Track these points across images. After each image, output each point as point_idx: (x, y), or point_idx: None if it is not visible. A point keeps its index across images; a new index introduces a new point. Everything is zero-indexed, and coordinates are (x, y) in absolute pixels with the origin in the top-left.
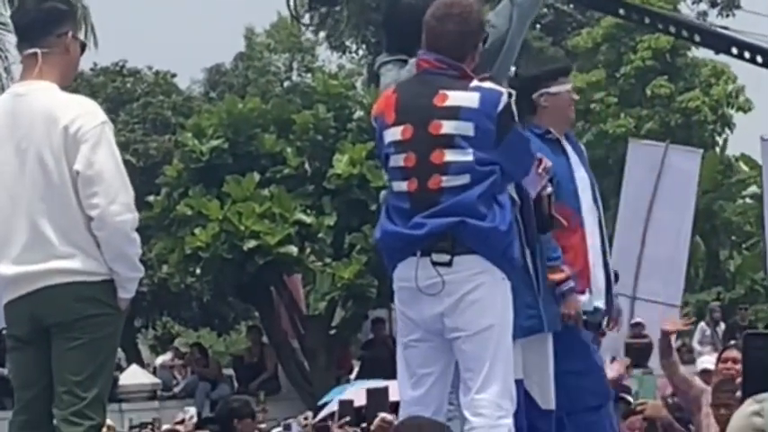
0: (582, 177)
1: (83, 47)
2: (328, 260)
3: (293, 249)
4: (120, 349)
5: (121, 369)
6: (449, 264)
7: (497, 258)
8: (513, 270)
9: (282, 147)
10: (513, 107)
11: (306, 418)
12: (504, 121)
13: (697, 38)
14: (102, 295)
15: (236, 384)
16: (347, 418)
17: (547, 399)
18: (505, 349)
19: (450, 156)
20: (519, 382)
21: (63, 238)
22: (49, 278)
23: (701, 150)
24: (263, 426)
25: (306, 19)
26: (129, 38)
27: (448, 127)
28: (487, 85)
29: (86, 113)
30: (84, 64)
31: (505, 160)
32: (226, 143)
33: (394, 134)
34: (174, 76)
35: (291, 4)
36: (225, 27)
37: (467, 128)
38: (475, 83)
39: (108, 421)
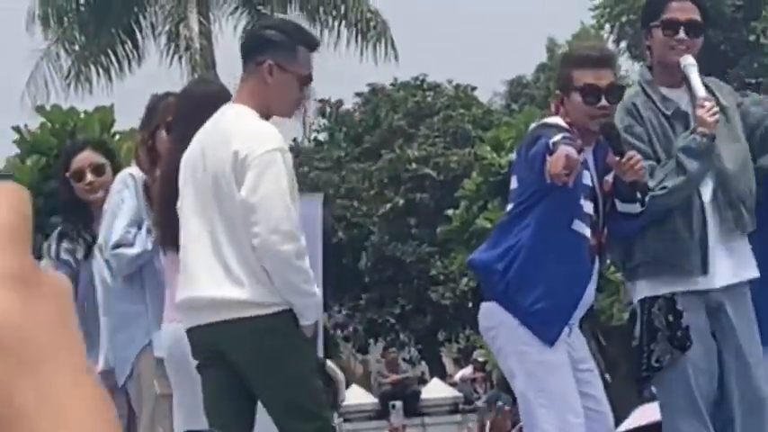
0: None
1: (303, 79)
2: None
3: None
4: (423, 362)
5: (425, 382)
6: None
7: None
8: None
9: None
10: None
11: None
12: None
13: None
14: (281, 326)
15: None
16: None
17: None
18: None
19: None
20: None
21: (237, 267)
22: (227, 310)
23: None
24: None
25: (606, 29)
26: (429, 52)
27: None
28: None
29: (258, 139)
30: (385, 79)
31: None
32: None
33: None
34: (474, 89)
35: None
36: (526, 39)
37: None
38: None
39: None
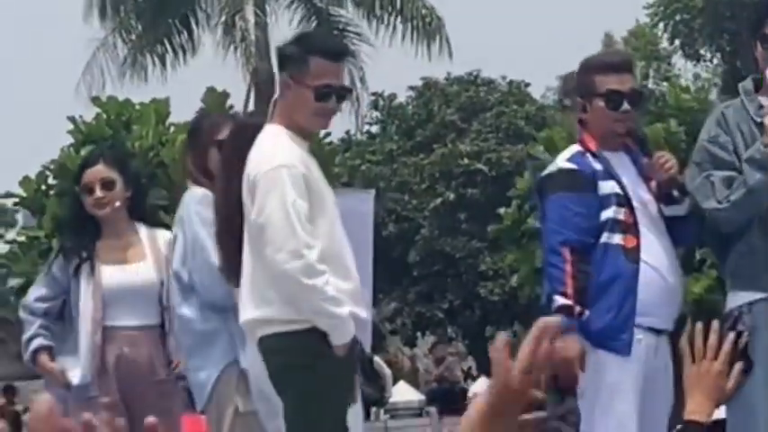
0: None
1: (318, 89)
2: None
3: None
4: (470, 358)
5: (472, 377)
6: None
7: None
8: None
9: None
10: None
11: None
12: None
13: None
14: (308, 344)
15: None
16: None
17: None
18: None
19: None
20: None
21: (267, 287)
22: (258, 329)
23: None
24: None
25: (660, 27)
26: (483, 48)
27: None
28: None
29: (263, 158)
30: (439, 73)
31: None
32: None
33: None
34: (527, 85)
35: None
36: (582, 34)
37: None
38: None
39: None
